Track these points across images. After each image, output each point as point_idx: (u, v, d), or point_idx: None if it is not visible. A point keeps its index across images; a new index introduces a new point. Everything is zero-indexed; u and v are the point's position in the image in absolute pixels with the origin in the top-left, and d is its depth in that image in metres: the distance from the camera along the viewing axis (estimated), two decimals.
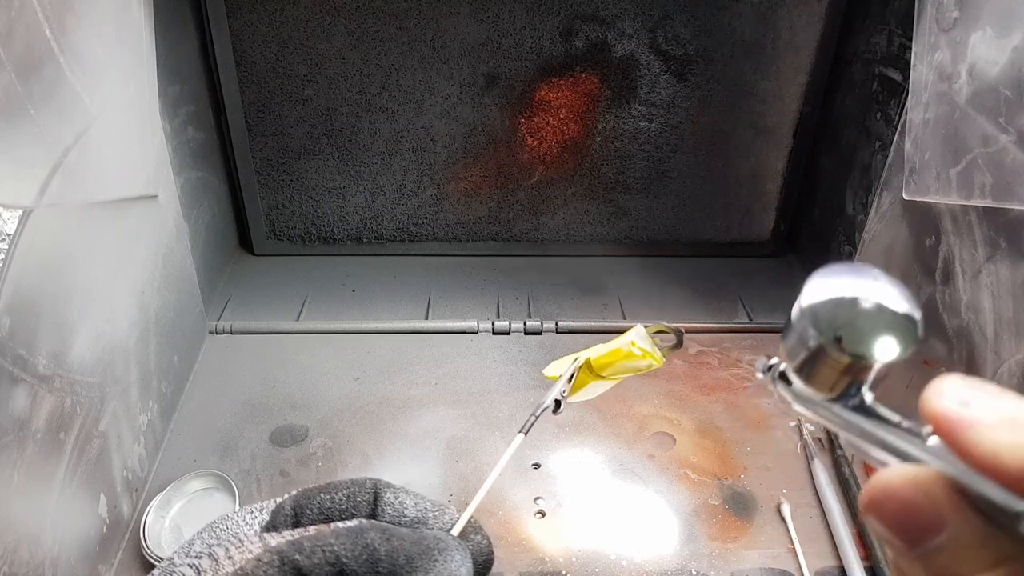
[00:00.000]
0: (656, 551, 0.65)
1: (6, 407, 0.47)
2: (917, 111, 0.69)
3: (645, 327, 0.44)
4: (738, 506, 0.70)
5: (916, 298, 0.24)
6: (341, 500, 0.31)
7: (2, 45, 0.43)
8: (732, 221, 1.05)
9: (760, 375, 0.28)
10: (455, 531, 0.31)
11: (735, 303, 0.98)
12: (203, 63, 0.90)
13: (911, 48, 0.70)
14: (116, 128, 0.60)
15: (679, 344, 0.44)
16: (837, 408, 0.24)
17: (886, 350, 0.23)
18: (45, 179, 0.49)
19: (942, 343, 0.68)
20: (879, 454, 0.22)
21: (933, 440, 0.20)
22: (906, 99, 0.72)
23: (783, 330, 0.26)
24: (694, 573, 0.64)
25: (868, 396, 0.24)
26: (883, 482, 0.20)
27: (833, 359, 0.24)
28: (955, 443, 0.18)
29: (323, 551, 0.26)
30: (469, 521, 0.32)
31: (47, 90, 0.49)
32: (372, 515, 0.31)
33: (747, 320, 0.94)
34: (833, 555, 0.65)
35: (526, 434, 0.37)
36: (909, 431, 0.22)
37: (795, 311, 0.25)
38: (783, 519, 0.68)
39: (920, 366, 0.72)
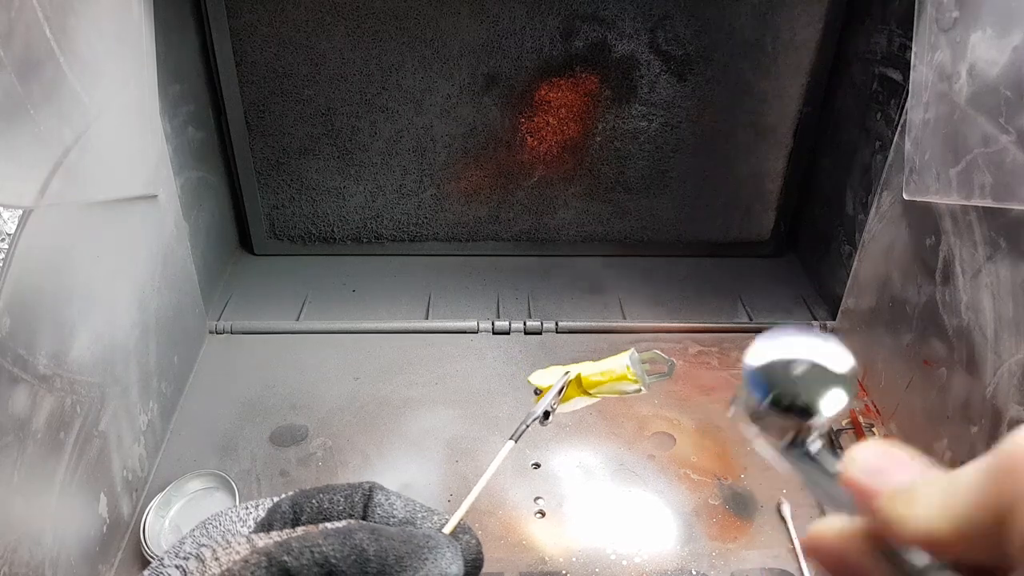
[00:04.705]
0: (656, 551, 0.65)
1: (6, 407, 0.47)
2: (917, 111, 0.69)
3: (638, 352, 0.45)
4: (738, 506, 0.70)
5: (849, 356, 0.26)
6: (339, 501, 0.31)
7: (2, 45, 0.43)
8: (732, 221, 1.05)
9: (731, 413, 0.31)
10: (447, 529, 0.31)
11: (735, 303, 0.98)
12: (203, 63, 0.90)
13: (911, 48, 0.70)
14: (116, 128, 0.60)
15: (669, 374, 0.45)
16: (788, 455, 0.26)
17: (820, 409, 0.25)
18: (45, 179, 0.49)
19: (942, 343, 0.68)
20: (821, 499, 0.25)
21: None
22: (906, 99, 0.72)
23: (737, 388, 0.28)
24: (694, 573, 0.64)
25: (814, 446, 0.26)
26: (818, 531, 0.22)
27: (773, 417, 0.26)
28: (864, 508, 0.21)
29: (311, 552, 0.26)
30: (459, 522, 0.32)
31: (47, 90, 0.49)
32: (365, 516, 0.31)
33: (747, 320, 0.94)
34: None
35: (516, 441, 0.38)
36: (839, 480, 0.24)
37: (744, 369, 0.28)
38: (783, 519, 0.68)
39: (920, 366, 0.72)
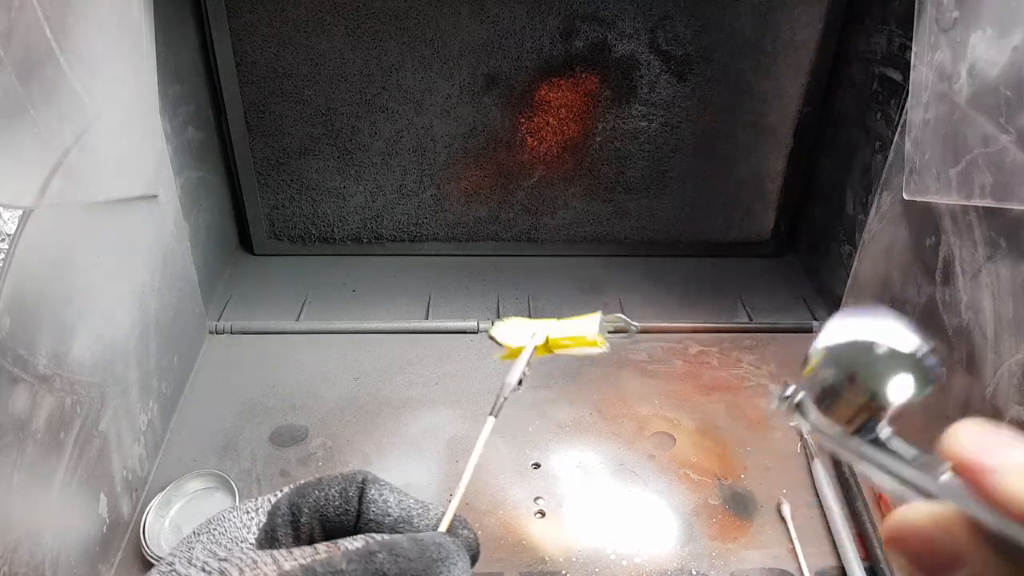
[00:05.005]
0: (656, 551, 0.65)
1: (6, 407, 0.47)
2: (917, 111, 0.69)
3: (603, 316, 0.44)
4: (738, 506, 0.70)
5: (930, 344, 0.25)
6: (334, 497, 0.31)
7: (2, 45, 0.43)
8: (732, 221, 1.05)
9: (776, 404, 0.29)
10: (442, 527, 0.32)
11: (735, 303, 0.98)
12: (203, 63, 0.90)
13: (911, 48, 0.70)
14: (116, 128, 0.60)
15: (630, 336, 0.44)
16: (854, 442, 0.25)
17: (902, 391, 0.24)
18: (45, 179, 0.49)
19: (942, 343, 0.68)
20: (896, 488, 0.23)
21: (946, 476, 0.21)
22: (906, 99, 0.72)
23: (804, 363, 0.27)
24: (694, 573, 0.64)
25: (885, 431, 0.25)
26: (904, 518, 0.20)
27: (850, 397, 0.25)
28: (977, 486, 0.19)
29: None
30: (455, 515, 0.32)
31: (47, 90, 0.49)
32: (360, 511, 0.31)
33: (747, 320, 0.94)
34: (833, 555, 0.65)
35: (496, 416, 0.38)
36: (925, 466, 0.22)
37: (813, 349, 0.26)
38: (783, 519, 0.68)
39: None
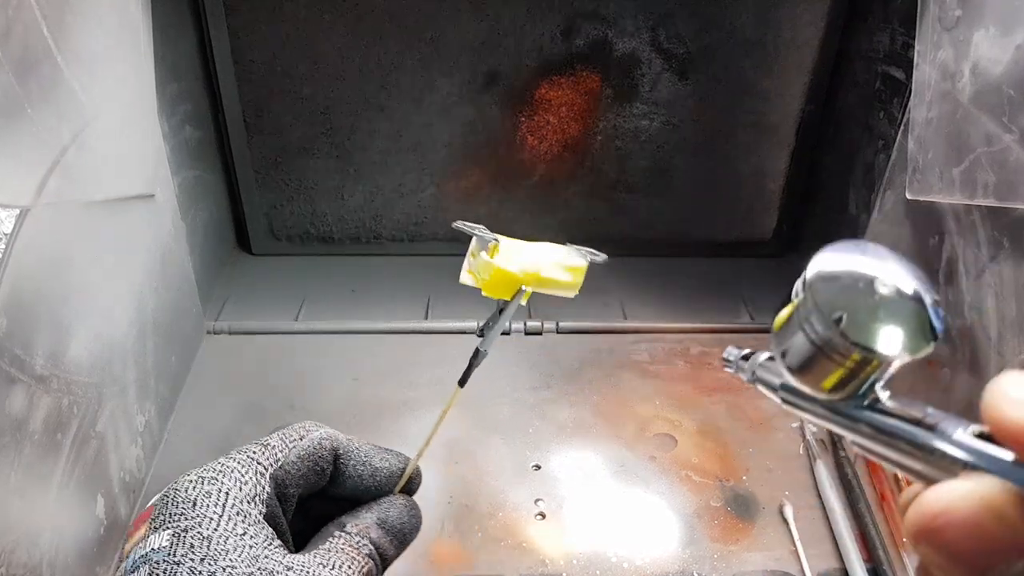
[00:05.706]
0: (657, 553, 0.65)
1: (3, 408, 0.47)
2: (920, 110, 0.68)
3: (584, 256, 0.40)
4: (740, 508, 0.69)
5: (933, 284, 0.20)
6: (313, 478, 0.36)
7: (0, 45, 0.43)
8: (734, 221, 1.05)
9: (731, 370, 0.24)
10: (398, 488, 0.40)
11: (737, 303, 0.97)
12: (201, 61, 0.89)
13: (914, 46, 0.69)
14: (114, 127, 0.60)
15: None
16: (846, 408, 0.21)
17: (908, 345, 0.19)
18: (42, 178, 0.49)
19: (945, 343, 0.68)
20: (910, 462, 0.19)
21: (966, 438, 0.17)
22: (909, 98, 0.71)
23: (777, 317, 0.22)
24: (696, 575, 0.63)
25: (883, 394, 0.21)
26: (940, 503, 0.16)
27: (843, 353, 0.20)
28: None
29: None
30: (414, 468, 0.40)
31: (45, 89, 0.49)
32: (335, 475, 0.38)
33: (749, 320, 0.94)
34: (835, 556, 0.64)
35: (463, 385, 0.40)
36: (942, 432, 0.18)
37: (796, 292, 0.21)
38: (785, 521, 0.68)
39: (924, 366, 0.72)
